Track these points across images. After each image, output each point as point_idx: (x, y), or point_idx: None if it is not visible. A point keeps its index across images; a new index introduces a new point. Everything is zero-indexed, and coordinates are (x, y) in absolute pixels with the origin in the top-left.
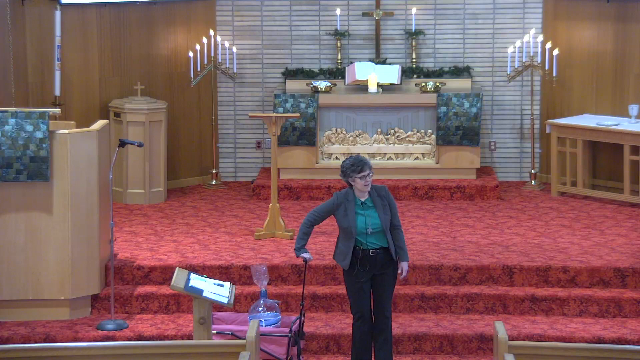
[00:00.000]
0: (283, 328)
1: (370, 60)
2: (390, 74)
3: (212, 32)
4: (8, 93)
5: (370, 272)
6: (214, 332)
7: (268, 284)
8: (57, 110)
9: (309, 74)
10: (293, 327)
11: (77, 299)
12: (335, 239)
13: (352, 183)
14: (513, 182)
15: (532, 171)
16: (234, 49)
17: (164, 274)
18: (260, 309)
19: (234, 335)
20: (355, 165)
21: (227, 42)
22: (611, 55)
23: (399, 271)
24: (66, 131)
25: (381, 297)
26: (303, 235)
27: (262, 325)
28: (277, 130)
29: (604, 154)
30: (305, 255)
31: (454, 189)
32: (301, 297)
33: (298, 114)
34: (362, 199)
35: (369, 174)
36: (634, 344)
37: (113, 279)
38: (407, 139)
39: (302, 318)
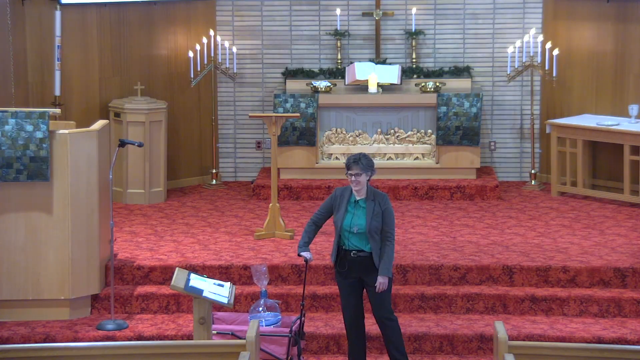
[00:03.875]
0: (283, 328)
1: (370, 60)
2: (390, 74)
3: (212, 32)
4: (8, 93)
5: (353, 275)
6: (214, 332)
7: (268, 284)
8: (57, 110)
9: (309, 74)
10: (293, 327)
11: (77, 299)
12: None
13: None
14: (513, 182)
15: (532, 171)
16: (234, 49)
17: (164, 274)
18: (260, 309)
19: (234, 335)
20: (347, 161)
21: (227, 42)
22: (611, 55)
23: (376, 284)
24: (66, 131)
25: (374, 302)
26: (304, 234)
27: (262, 325)
28: (277, 130)
29: (604, 154)
30: (305, 254)
31: (454, 189)
32: (301, 297)
33: (298, 114)
34: (357, 198)
35: (357, 174)
36: (634, 344)
37: (113, 279)
38: (407, 139)
39: (303, 318)
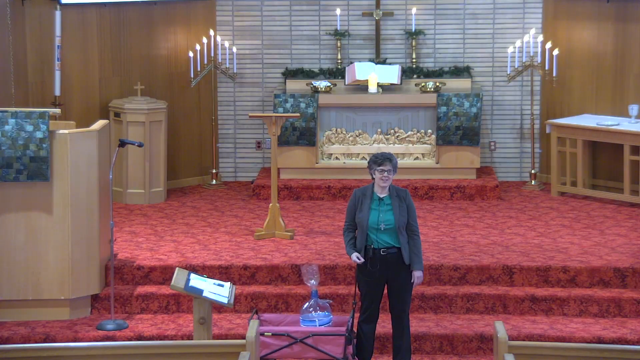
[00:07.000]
0: (336, 327)
1: (370, 60)
2: (390, 74)
3: (212, 32)
4: (8, 93)
5: (382, 273)
6: (269, 333)
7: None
8: (57, 110)
9: (309, 74)
10: (349, 326)
11: (77, 299)
12: (336, 239)
13: (373, 176)
14: (513, 182)
15: (532, 171)
16: (234, 49)
17: (164, 274)
18: (312, 309)
19: (289, 336)
20: (378, 158)
21: (227, 42)
22: (611, 55)
23: (412, 279)
24: (66, 131)
25: (395, 301)
26: (347, 242)
27: (316, 326)
28: (277, 130)
29: (604, 154)
30: (353, 256)
31: (454, 189)
32: (353, 296)
33: (298, 114)
34: (381, 196)
35: (388, 170)
36: (634, 344)
37: (113, 279)
38: (407, 139)
39: (352, 318)
